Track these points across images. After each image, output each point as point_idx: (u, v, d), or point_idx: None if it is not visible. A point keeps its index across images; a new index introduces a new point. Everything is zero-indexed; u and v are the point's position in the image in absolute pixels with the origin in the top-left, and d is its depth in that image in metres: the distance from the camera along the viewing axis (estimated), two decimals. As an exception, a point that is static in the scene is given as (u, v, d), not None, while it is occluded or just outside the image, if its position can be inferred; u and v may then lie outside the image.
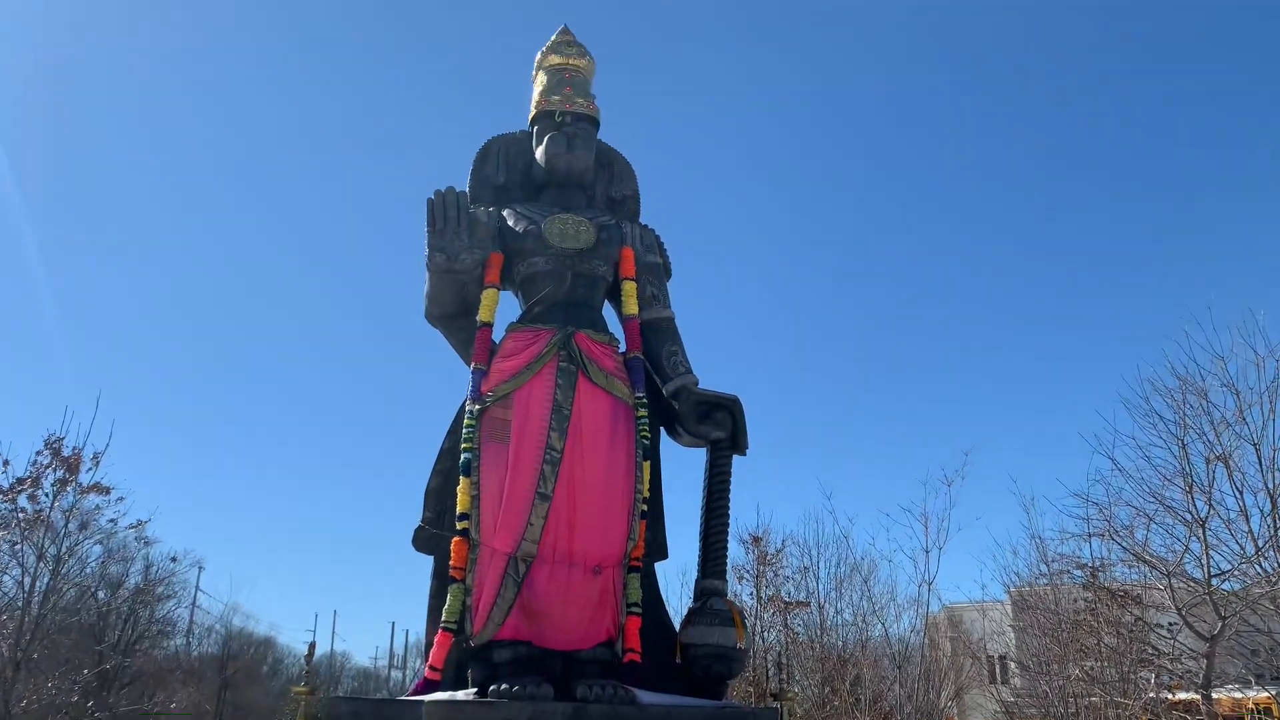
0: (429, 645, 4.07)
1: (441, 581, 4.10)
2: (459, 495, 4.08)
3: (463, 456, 4.11)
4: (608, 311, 4.61)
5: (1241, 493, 9.23)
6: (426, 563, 4.25)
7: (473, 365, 4.27)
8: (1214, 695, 9.38)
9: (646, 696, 3.81)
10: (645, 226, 4.74)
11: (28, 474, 10.94)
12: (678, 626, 4.25)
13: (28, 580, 10.83)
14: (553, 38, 4.89)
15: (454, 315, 4.40)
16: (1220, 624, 9.25)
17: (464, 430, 4.14)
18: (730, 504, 4.26)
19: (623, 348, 4.43)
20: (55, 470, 11.00)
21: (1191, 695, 9.53)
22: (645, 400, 4.28)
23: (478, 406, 4.15)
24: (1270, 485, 9.07)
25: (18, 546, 10.84)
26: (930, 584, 11.29)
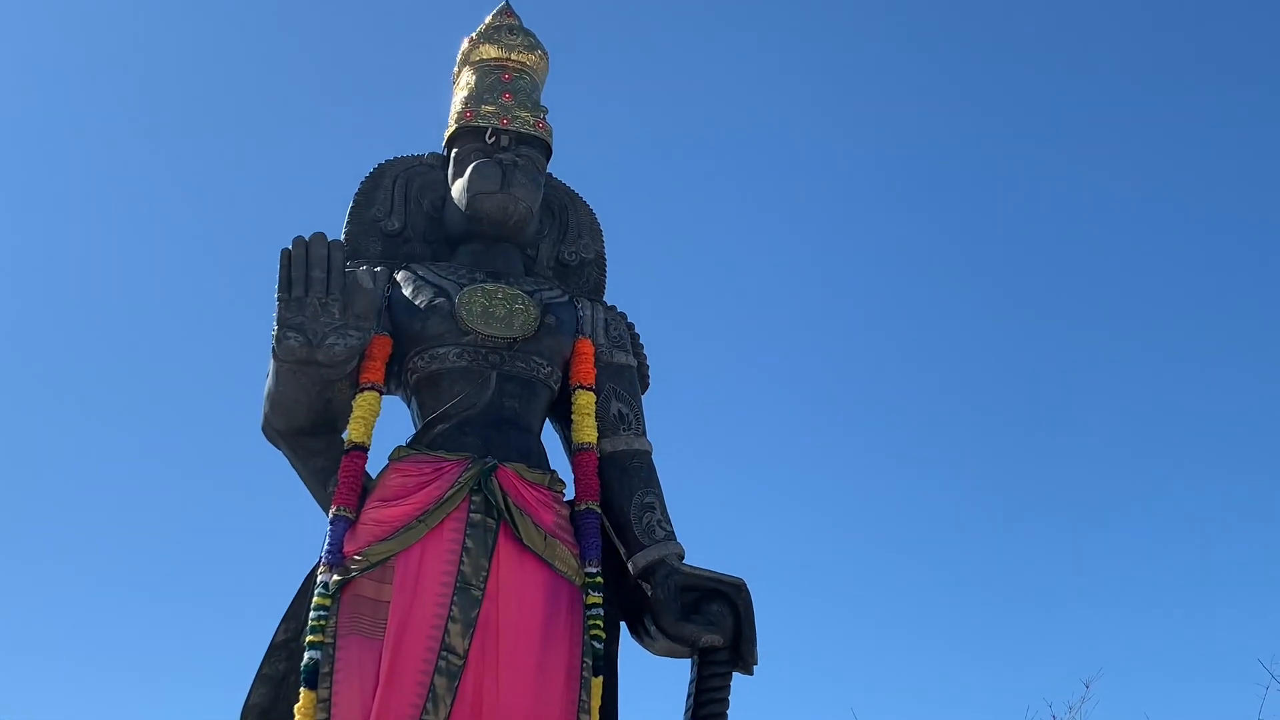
0: None
1: None
2: (297, 719, 3.00)
3: (306, 656, 3.04)
4: (549, 436, 3.55)
5: None
6: (239, 828, 3.14)
7: (332, 510, 3.20)
8: None
9: None
10: (613, 309, 3.72)
11: None
12: None
13: None
14: (486, 20, 3.85)
15: (308, 430, 3.35)
16: None
17: (311, 614, 3.08)
18: (727, 749, 3.22)
19: (570, 494, 3.38)
20: None
21: None
22: (600, 579, 3.23)
23: (336, 577, 3.09)
24: None
25: None
26: None
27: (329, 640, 3.02)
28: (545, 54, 3.83)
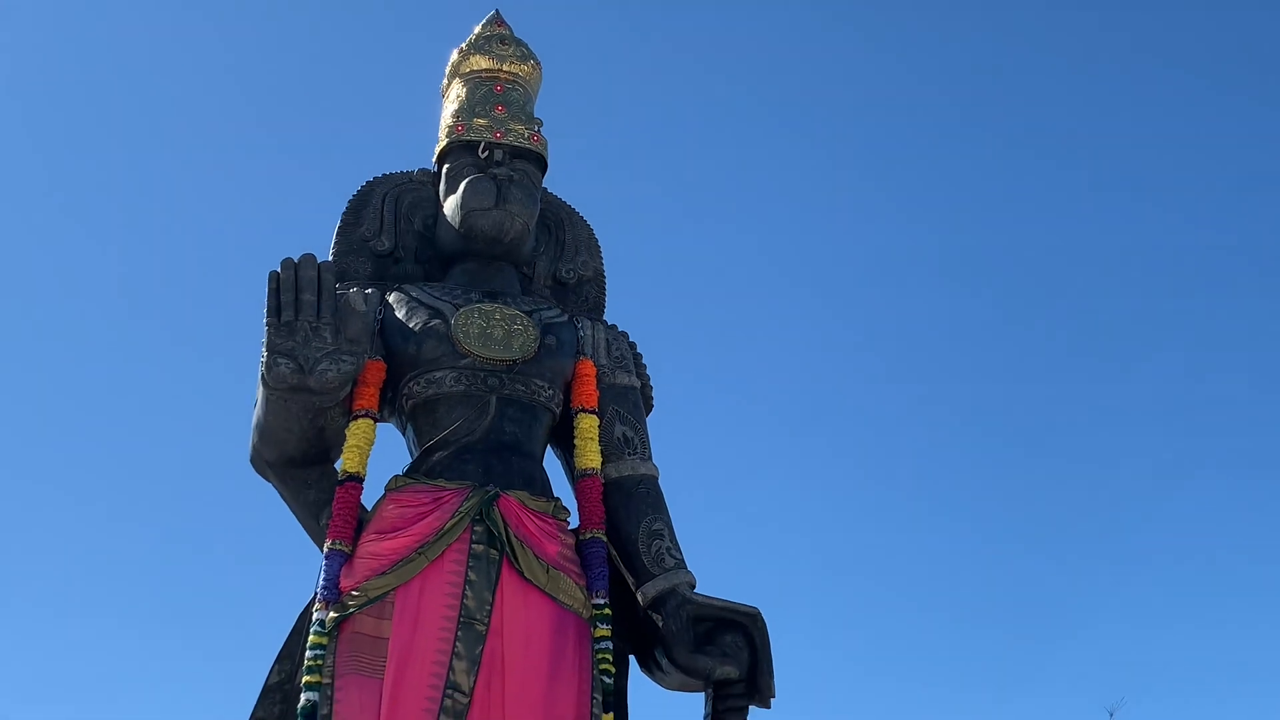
0: None
1: None
2: None
3: (303, 698, 2.96)
4: (552, 462, 3.48)
5: None
6: None
7: (327, 544, 3.13)
8: None
9: None
10: (614, 328, 3.66)
11: None
12: None
13: None
14: (476, 30, 3.77)
15: (300, 461, 3.28)
16: None
17: (307, 654, 3.01)
18: (743, 790, 3.14)
19: (575, 522, 3.31)
20: None
21: None
22: (608, 611, 3.17)
23: (334, 614, 3.02)
24: None
25: None
26: None
27: (326, 681, 2.95)
28: (538, 64, 3.77)
